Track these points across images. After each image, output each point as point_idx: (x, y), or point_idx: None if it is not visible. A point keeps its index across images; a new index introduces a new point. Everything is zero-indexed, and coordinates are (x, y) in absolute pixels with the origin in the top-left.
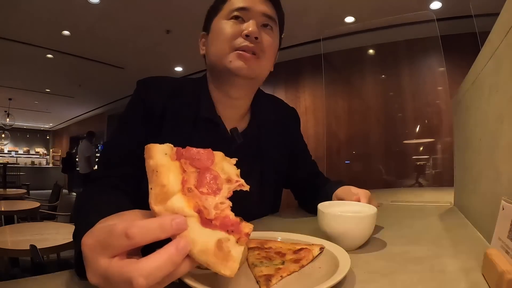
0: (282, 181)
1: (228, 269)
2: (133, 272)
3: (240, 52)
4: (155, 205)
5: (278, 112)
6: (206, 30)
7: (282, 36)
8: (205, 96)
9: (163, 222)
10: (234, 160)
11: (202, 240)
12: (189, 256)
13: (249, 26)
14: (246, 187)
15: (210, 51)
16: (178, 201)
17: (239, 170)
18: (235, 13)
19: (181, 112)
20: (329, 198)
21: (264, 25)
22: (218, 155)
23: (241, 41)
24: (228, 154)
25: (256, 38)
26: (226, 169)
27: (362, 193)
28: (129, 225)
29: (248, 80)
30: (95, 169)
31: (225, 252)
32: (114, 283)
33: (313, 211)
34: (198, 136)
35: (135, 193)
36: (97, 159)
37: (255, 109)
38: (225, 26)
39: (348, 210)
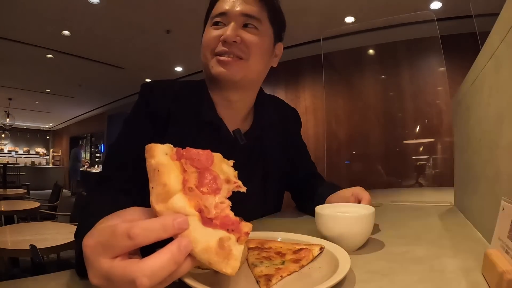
0: (283, 182)
1: (229, 267)
2: (136, 272)
3: (219, 57)
4: (156, 204)
5: (280, 113)
6: (202, 34)
7: (283, 33)
8: (206, 99)
9: (165, 221)
10: (231, 162)
11: (203, 239)
12: (190, 255)
13: (226, 31)
14: (243, 189)
15: (201, 58)
16: (179, 200)
17: (236, 172)
18: (216, 19)
19: (184, 115)
20: (322, 203)
21: (246, 25)
22: (217, 156)
23: (219, 47)
24: (232, 155)
25: (235, 41)
26: (225, 170)
27: (358, 192)
28: (131, 225)
29: (234, 83)
30: (101, 171)
31: (227, 250)
32: (117, 284)
33: (309, 213)
34: (202, 139)
35: (140, 195)
36: (97, 159)
37: (257, 110)
38: (207, 33)
39: (345, 211)
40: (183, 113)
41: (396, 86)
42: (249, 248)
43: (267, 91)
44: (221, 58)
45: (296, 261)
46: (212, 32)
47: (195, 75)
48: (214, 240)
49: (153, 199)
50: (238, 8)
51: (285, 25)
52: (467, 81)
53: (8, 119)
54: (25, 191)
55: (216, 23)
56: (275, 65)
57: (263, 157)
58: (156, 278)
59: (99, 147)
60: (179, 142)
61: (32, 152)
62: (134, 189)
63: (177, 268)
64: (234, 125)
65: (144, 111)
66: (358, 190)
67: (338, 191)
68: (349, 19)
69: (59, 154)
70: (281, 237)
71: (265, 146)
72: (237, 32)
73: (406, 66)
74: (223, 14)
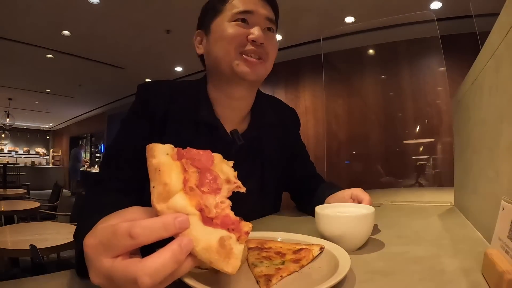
0: (282, 182)
1: (230, 266)
2: (137, 272)
3: (247, 57)
4: (157, 203)
5: (278, 113)
6: (203, 28)
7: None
8: (203, 99)
9: (166, 221)
10: (231, 163)
11: (204, 238)
12: (191, 254)
13: (255, 31)
14: (243, 189)
15: (213, 52)
16: (180, 200)
17: (236, 172)
18: (241, 16)
19: (182, 115)
20: (321, 203)
21: (268, 28)
22: (217, 156)
23: (247, 46)
24: (229, 156)
25: (262, 43)
26: (225, 170)
27: (358, 194)
28: (132, 225)
29: (254, 83)
30: (99, 171)
31: (227, 249)
32: (118, 283)
33: (309, 213)
34: (199, 139)
35: (138, 195)
36: (97, 159)
37: (255, 111)
38: (229, 28)
39: (345, 211)
40: (180, 113)
41: (396, 86)
42: (249, 248)
43: (267, 91)
44: (249, 58)
45: (296, 261)
46: (238, 29)
47: (195, 75)
48: (214, 239)
49: (154, 198)
50: (262, 11)
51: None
52: (467, 81)
53: (8, 119)
54: (25, 191)
55: (242, 20)
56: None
57: (261, 158)
58: (157, 277)
59: (99, 147)
60: (177, 142)
61: (32, 152)
62: (132, 188)
63: (178, 267)
64: (232, 125)
65: (141, 111)
66: (358, 192)
67: (337, 192)
68: (349, 19)
69: (59, 154)
70: (281, 237)
71: (263, 146)
72: (264, 35)
73: (406, 66)
74: (249, 12)
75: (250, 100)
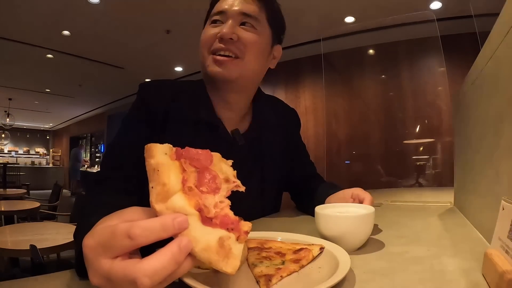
0: (282, 182)
1: (229, 266)
2: (137, 273)
3: (215, 56)
4: (156, 204)
5: (279, 113)
6: None
7: (283, 35)
8: (204, 99)
9: (165, 221)
10: (230, 162)
11: (203, 238)
12: (190, 254)
13: (223, 28)
14: (242, 188)
15: (199, 59)
16: (179, 200)
17: (235, 171)
18: (214, 18)
19: (183, 115)
20: (321, 203)
21: (243, 23)
22: (216, 156)
23: (215, 44)
24: (230, 155)
25: (232, 38)
26: (224, 169)
27: (359, 193)
28: (131, 225)
29: (230, 82)
30: (98, 171)
31: (227, 249)
32: (117, 284)
33: (309, 213)
34: (200, 139)
35: (139, 195)
36: (97, 159)
37: (256, 111)
38: (205, 31)
39: (345, 211)
40: (181, 112)
41: (396, 86)
42: (249, 248)
43: (267, 91)
44: (218, 57)
45: (296, 261)
46: (210, 30)
47: (195, 75)
48: (214, 239)
49: (152, 198)
50: (237, 7)
51: (285, 27)
52: (467, 81)
53: (8, 119)
54: (25, 191)
55: (214, 22)
56: (273, 67)
57: (261, 158)
58: (156, 278)
59: (99, 147)
60: (177, 142)
61: (32, 152)
62: (132, 188)
63: (177, 267)
64: (232, 125)
65: (142, 110)
66: (359, 191)
67: (338, 192)
68: (349, 19)
69: (59, 154)
70: (281, 237)
71: (263, 146)
72: (234, 30)
73: (406, 66)
74: (221, 12)
75: (246, 100)
